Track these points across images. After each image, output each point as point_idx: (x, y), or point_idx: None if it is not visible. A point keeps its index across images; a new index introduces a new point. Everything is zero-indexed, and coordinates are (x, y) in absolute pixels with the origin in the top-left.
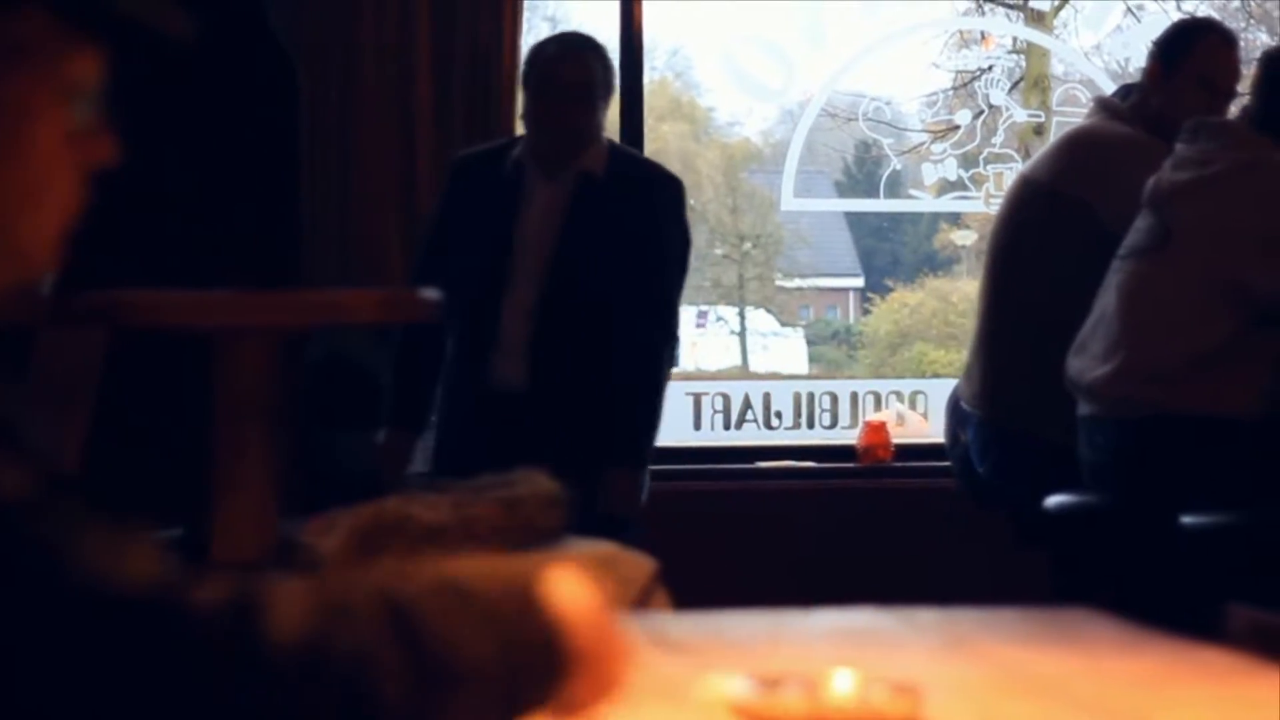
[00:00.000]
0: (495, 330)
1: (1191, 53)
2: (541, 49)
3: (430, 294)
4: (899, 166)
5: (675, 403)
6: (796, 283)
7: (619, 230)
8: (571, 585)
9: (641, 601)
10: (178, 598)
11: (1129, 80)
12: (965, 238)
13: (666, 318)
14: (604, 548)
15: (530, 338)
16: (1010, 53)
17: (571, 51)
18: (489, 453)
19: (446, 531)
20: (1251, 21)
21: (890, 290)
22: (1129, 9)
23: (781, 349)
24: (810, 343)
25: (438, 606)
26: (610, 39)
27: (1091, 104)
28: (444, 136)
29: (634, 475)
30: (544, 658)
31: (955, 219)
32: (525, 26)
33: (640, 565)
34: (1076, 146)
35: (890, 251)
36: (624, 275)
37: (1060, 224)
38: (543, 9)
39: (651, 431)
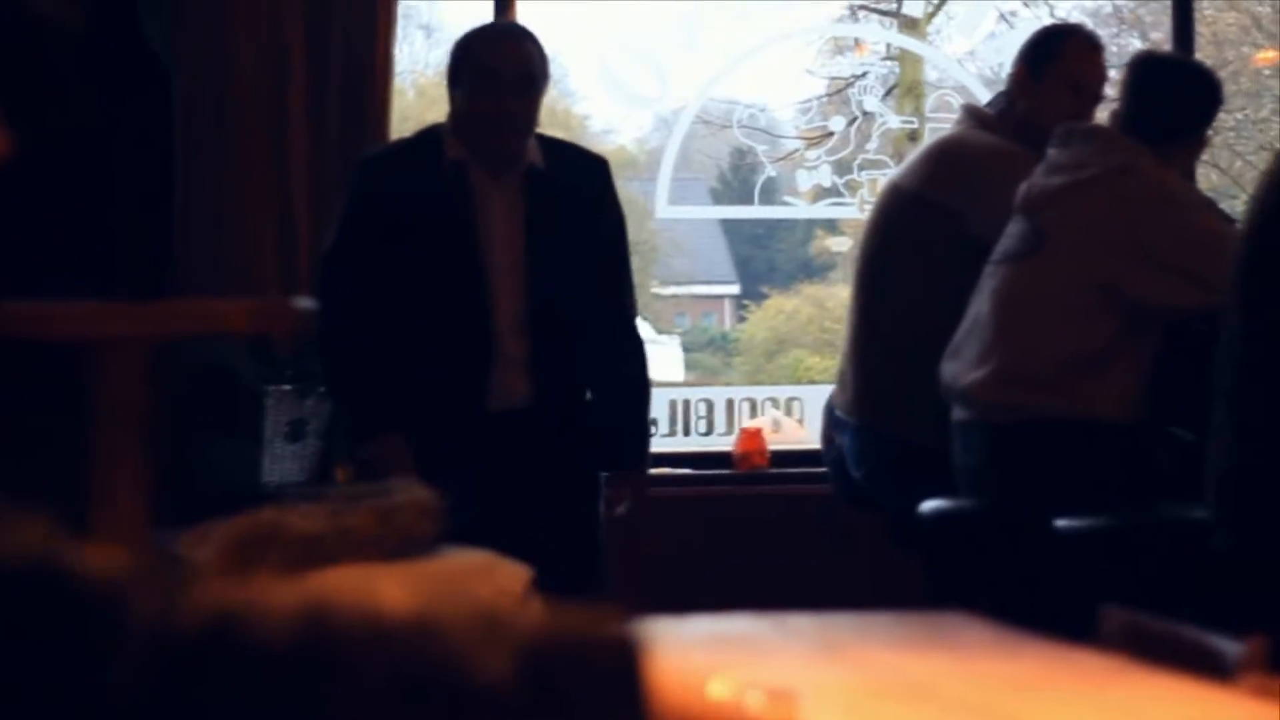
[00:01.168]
0: (489, 347)
1: (1058, 57)
2: (474, 40)
3: (302, 303)
4: (774, 173)
5: None
6: (672, 290)
7: (576, 224)
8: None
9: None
10: (60, 567)
11: (1002, 86)
12: (841, 244)
13: (634, 304)
14: (478, 556)
15: (529, 352)
16: (884, 59)
17: (509, 40)
18: (492, 473)
19: (322, 541)
20: (1124, 27)
21: (766, 297)
22: (1002, 15)
23: (657, 357)
24: (687, 350)
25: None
26: None
27: (960, 112)
28: (318, 142)
29: (645, 476)
30: None
31: (831, 226)
32: (400, 33)
33: (515, 574)
34: (943, 155)
35: (766, 259)
36: (596, 271)
37: (928, 231)
38: (416, 15)
39: (648, 426)
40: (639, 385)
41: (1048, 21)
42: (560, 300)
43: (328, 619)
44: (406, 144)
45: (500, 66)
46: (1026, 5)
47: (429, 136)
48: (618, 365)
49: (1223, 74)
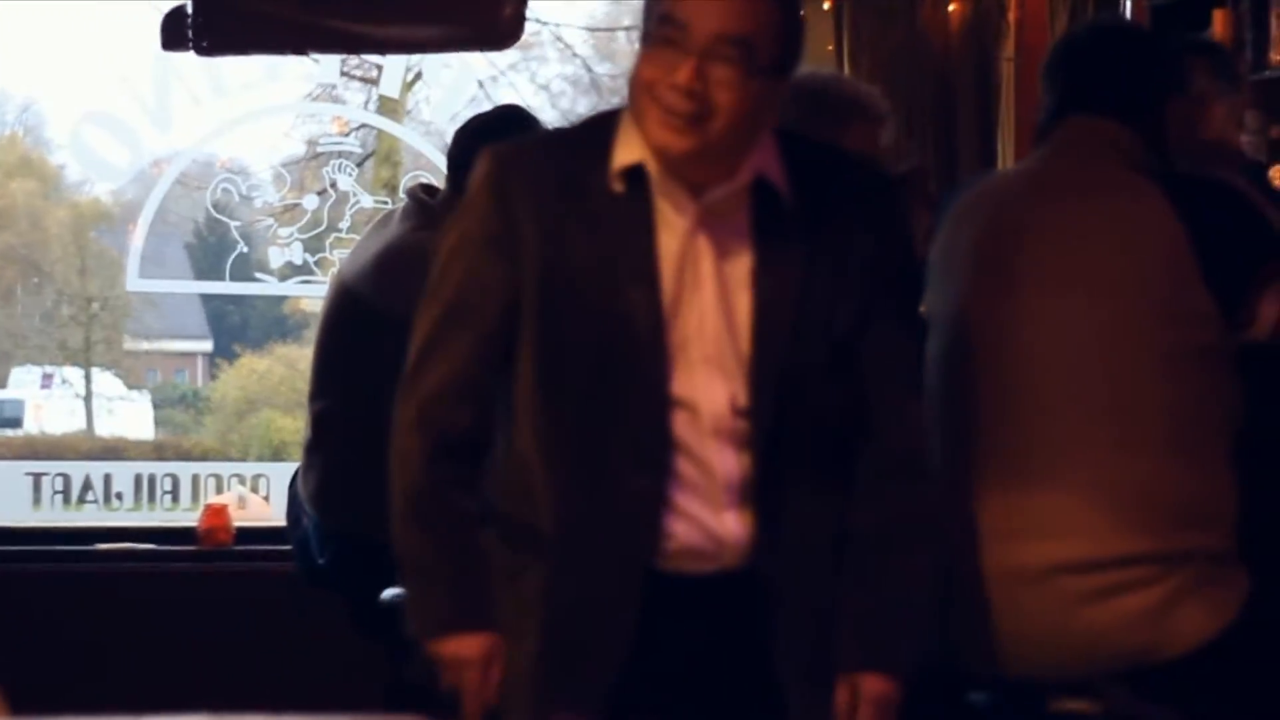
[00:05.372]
0: (665, 464)
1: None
2: None
3: None
4: (245, 250)
5: (13, 482)
6: (144, 345)
7: (839, 274)
8: None
9: None
10: None
11: None
12: (315, 305)
13: (922, 412)
14: None
15: (749, 476)
16: (359, 128)
17: None
18: (658, 666)
19: None
20: (603, 97)
21: (239, 356)
22: (480, 83)
23: (128, 413)
24: (157, 406)
25: None
26: None
27: (407, 199)
28: None
29: (900, 687)
30: None
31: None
32: None
33: None
34: (387, 262)
35: (240, 316)
36: (868, 354)
37: (377, 335)
38: None
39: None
40: (919, 544)
41: (527, 90)
42: (810, 396)
43: None
44: (557, 139)
45: (692, 16)
46: (504, 73)
47: (598, 128)
48: (886, 508)
49: None
